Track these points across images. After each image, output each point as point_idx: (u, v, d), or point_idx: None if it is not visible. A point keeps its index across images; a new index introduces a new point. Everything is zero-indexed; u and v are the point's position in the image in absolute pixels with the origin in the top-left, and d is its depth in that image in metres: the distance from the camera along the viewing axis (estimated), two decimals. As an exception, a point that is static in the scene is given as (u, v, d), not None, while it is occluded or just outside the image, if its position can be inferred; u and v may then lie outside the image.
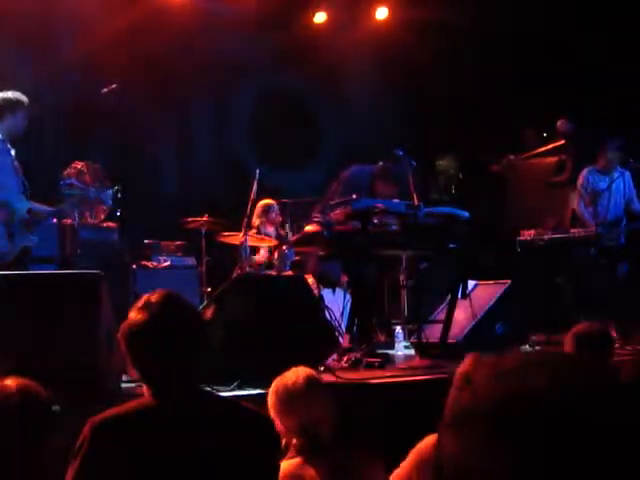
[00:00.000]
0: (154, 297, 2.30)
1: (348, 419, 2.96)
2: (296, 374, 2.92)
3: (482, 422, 0.93)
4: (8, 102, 5.75)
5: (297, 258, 7.47)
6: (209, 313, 5.05)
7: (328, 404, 2.90)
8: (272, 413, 2.85)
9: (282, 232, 8.27)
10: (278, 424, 2.82)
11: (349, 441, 2.95)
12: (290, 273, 7.76)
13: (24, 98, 5.78)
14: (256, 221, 8.20)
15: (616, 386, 0.95)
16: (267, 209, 8.30)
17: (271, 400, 2.89)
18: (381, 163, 6.64)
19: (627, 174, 7.80)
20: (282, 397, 2.85)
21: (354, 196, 5.85)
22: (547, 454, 0.89)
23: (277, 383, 2.90)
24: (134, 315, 2.29)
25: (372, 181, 6.62)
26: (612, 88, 8.90)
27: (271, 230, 8.28)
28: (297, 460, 2.78)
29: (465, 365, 2.40)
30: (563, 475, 0.88)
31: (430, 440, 2.63)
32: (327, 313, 6.26)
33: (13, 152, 5.73)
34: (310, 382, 2.89)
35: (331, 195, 6.56)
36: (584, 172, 7.88)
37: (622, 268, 7.57)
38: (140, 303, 2.31)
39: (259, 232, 8.12)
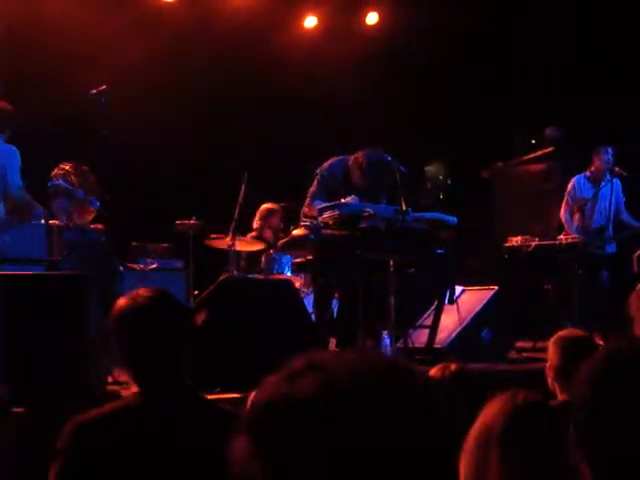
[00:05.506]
0: (142, 290, 2.35)
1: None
2: None
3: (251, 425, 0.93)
4: None
5: (299, 260, 7.23)
6: (200, 319, 5.02)
7: None
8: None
9: (281, 237, 7.89)
10: None
11: None
12: (277, 276, 7.74)
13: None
14: (256, 224, 8.09)
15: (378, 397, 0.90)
16: (268, 213, 8.15)
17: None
18: (358, 153, 6.44)
19: (616, 182, 7.70)
20: None
21: (342, 200, 5.85)
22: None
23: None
24: (121, 301, 2.32)
25: (347, 172, 6.43)
26: (603, 95, 8.93)
27: (269, 235, 8.10)
28: None
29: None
30: None
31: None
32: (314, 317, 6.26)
33: None
34: None
35: (313, 193, 6.47)
36: (573, 179, 7.86)
37: (604, 276, 7.56)
38: (128, 295, 2.35)
39: (259, 236, 7.98)
